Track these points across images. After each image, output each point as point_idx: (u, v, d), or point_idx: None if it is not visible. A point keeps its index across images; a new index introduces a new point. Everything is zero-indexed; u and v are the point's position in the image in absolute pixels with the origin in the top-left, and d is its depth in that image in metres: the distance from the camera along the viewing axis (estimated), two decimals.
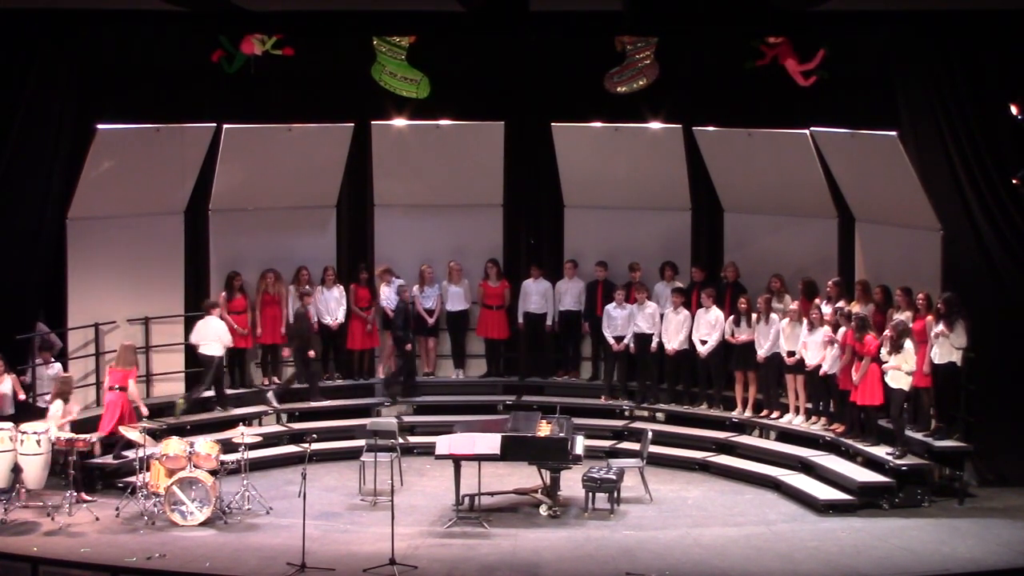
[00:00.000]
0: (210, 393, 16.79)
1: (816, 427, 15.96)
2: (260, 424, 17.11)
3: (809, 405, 16.16)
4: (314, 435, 14.97)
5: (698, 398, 17.29)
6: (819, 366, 15.73)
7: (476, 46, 17.59)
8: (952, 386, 14.92)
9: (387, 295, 17.98)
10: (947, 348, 14.72)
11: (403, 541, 12.92)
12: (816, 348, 15.77)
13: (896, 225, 16.04)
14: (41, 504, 14.08)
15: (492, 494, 14.74)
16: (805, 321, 15.93)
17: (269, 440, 16.35)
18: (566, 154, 17.90)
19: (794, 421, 16.24)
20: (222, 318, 16.82)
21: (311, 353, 17.44)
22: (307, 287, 17.53)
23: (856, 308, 15.74)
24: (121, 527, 13.76)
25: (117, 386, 15.01)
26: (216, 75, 17.29)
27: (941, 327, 14.67)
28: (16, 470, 14.11)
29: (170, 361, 16.90)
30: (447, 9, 15.67)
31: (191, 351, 17.25)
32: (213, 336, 16.57)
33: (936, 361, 14.78)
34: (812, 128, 16.28)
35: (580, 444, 14.75)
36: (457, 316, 18.26)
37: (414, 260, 18.25)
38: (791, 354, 16.07)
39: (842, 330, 15.45)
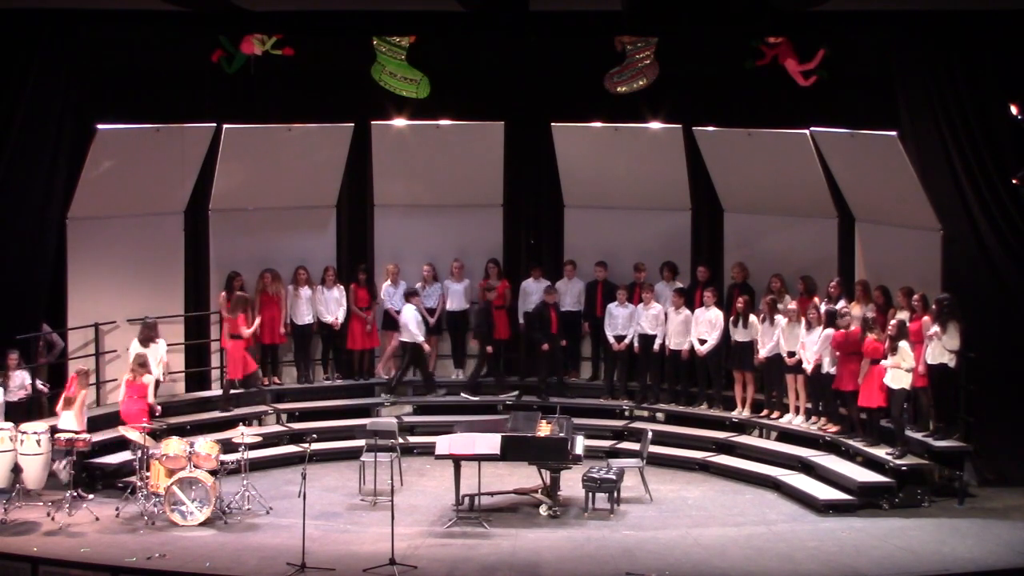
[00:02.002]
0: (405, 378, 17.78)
1: (815, 427, 15.96)
2: (260, 424, 17.12)
3: (809, 405, 16.16)
4: (314, 435, 14.95)
5: (698, 398, 17.29)
6: (817, 366, 15.73)
7: (476, 46, 17.59)
8: (947, 386, 14.92)
9: (391, 295, 18.03)
10: (939, 349, 14.73)
11: (403, 541, 12.92)
12: (812, 348, 15.77)
13: (896, 225, 16.04)
14: (41, 504, 14.09)
15: (492, 494, 14.74)
16: (803, 321, 15.94)
17: (269, 440, 16.35)
18: (566, 154, 17.90)
19: (794, 421, 16.23)
20: (222, 317, 16.84)
21: (489, 349, 17.71)
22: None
23: (856, 308, 15.75)
24: (121, 527, 13.77)
25: (233, 334, 16.77)
26: (216, 75, 17.29)
27: (936, 328, 14.68)
28: (16, 470, 14.11)
29: (171, 361, 16.85)
30: (447, 9, 15.67)
31: (191, 350, 17.28)
32: (410, 322, 17.37)
33: (929, 362, 14.79)
34: (812, 128, 16.28)
35: (580, 444, 14.76)
36: (458, 316, 18.25)
37: (414, 260, 18.25)
38: (791, 354, 16.07)
39: (830, 331, 15.46)
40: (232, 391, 17.06)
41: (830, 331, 15.46)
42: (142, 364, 15.47)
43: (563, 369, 17.88)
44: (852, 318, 15.33)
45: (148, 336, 16.13)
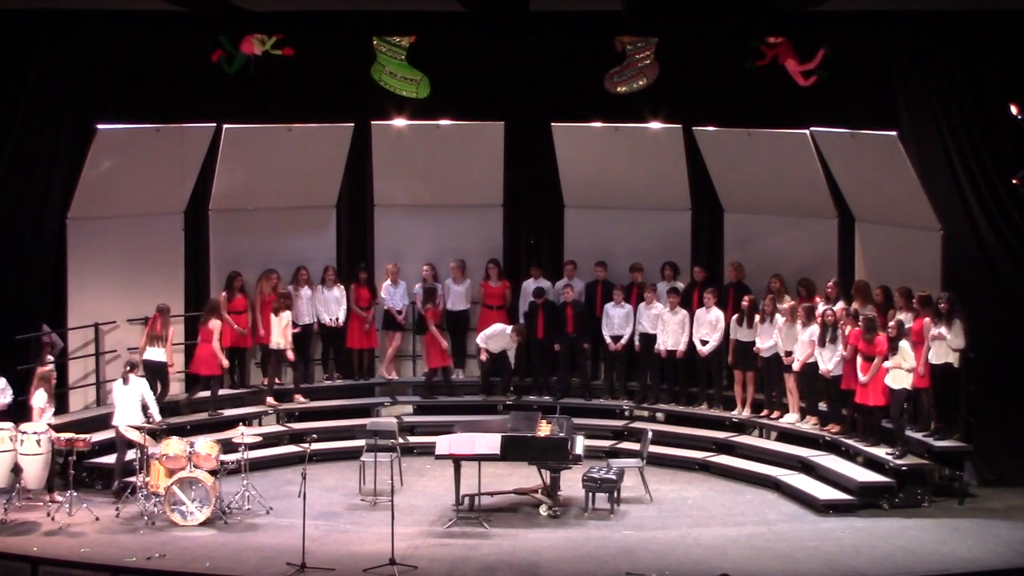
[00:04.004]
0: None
1: (806, 425, 15.97)
2: (260, 424, 17.12)
3: (802, 404, 16.16)
4: (314, 435, 14.96)
5: (698, 398, 17.30)
6: (807, 364, 15.74)
7: (476, 46, 17.59)
8: (951, 386, 14.91)
9: (391, 295, 18.04)
10: (944, 348, 14.72)
11: (403, 541, 12.92)
12: (804, 347, 15.79)
13: (896, 225, 16.04)
14: (41, 504, 14.09)
15: (492, 494, 14.74)
16: (800, 321, 15.94)
17: (269, 440, 16.35)
18: (566, 154, 17.90)
19: (795, 422, 16.21)
20: (222, 319, 16.87)
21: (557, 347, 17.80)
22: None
23: (856, 308, 15.75)
24: (121, 527, 13.77)
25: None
26: (216, 75, 17.28)
27: (941, 329, 14.65)
28: (16, 470, 14.11)
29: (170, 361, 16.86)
30: (447, 9, 15.67)
31: (191, 350, 17.27)
32: (496, 336, 17.55)
33: (933, 361, 14.78)
34: (812, 128, 16.28)
35: (580, 444, 14.75)
36: (458, 316, 18.25)
37: (414, 260, 18.25)
38: (788, 354, 16.07)
39: (835, 330, 15.47)
40: (434, 380, 17.87)
41: (816, 330, 15.48)
42: (211, 310, 16.61)
43: (584, 370, 17.82)
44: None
45: (281, 305, 17.07)
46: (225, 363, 16.76)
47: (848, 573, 12.52)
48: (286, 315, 17.10)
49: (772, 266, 16.93)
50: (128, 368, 15.13)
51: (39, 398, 14.68)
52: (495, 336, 17.46)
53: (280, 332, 17.06)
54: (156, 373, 16.03)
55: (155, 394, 15.51)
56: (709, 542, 13.43)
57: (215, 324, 16.57)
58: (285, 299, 17.20)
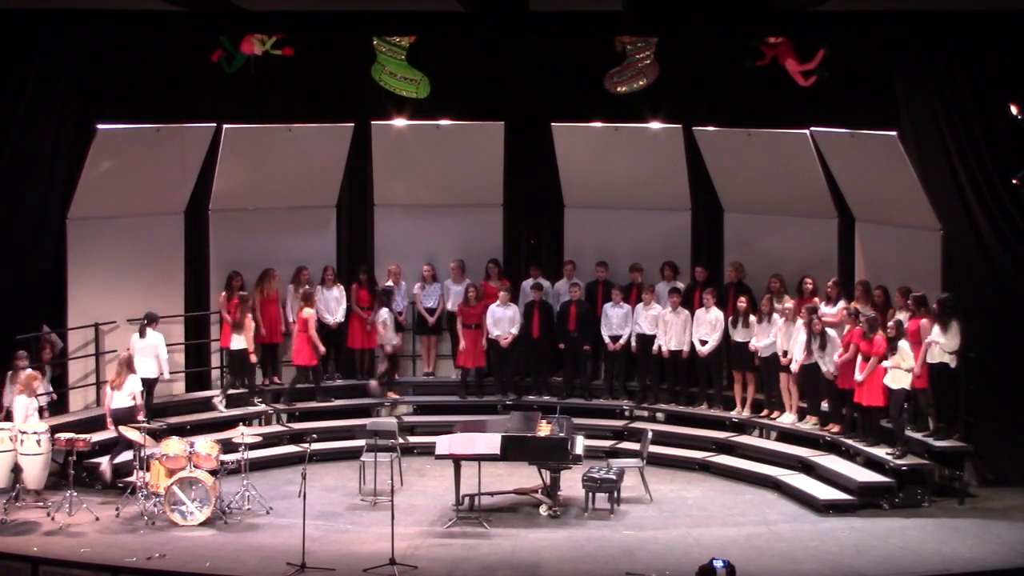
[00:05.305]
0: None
1: (806, 426, 15.97)
2: (260, 424, 17.12)
3: (803, 404, 16.17)
4: (314, 435, 14.97)
5: (698, 398, 17.30)
6: (806, 364, 15.74)
7: (476, 46, 17.59)
8: (947, 386, 14.90)
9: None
10: (939, 349, 14.72)
11: (403, 541, 12.93)
12: (802, 348, 15.78)
13: (896, 225, 16.04)
14: (41, 504, 14.09)
15: (492, 494, 14.74)
16: (799, 321, 15.93)
17: (269, 440, 16.36)
18: (566, 154, 17.90)
19: (793, 422, 16.21)
20: (222, 318, 16.87)
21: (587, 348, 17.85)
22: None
23: (856, 308, 15.75)
24: (121, 527, 13.77)
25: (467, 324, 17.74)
26: (216, 75, 17.29)
27: (936, 330, 14.64)
28: (16, 470, 14.11)
29: (171, 361, 16.83)
30: (447, 9, 15.67)
31: (192, 350, 17.26)
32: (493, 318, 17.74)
33: (928, 361, 14.77)
34: (812, 128, 16.28)
35: (580, 444, 14.75)
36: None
37: (414, 260, 18.26)
38: (785, 354, 16.07)
39: (827, 331, 15.47)
40: (468, 380, 17.98)
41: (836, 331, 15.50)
42: (304, 298, 17.27)
43: (584, 371, 17.82)
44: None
45: (383, 303, 17.62)
46: (322, 350, 17.24)
47: (848, 573, 12.52)
48: (384, 312, 17.53)
49: (772, 266, 16.94)
50: (145, 321, 15.77)
51: (134, 382, 15.07)
52: (492, 318, 17.51)
53: (386, 330, 17.55)
54: (238, 362, 16.90)
55: (235, 386, 16.89)
56: (709, 542, 13.42)
57: (308, 313, 17.02)
58: (385, 296, 17.66)
